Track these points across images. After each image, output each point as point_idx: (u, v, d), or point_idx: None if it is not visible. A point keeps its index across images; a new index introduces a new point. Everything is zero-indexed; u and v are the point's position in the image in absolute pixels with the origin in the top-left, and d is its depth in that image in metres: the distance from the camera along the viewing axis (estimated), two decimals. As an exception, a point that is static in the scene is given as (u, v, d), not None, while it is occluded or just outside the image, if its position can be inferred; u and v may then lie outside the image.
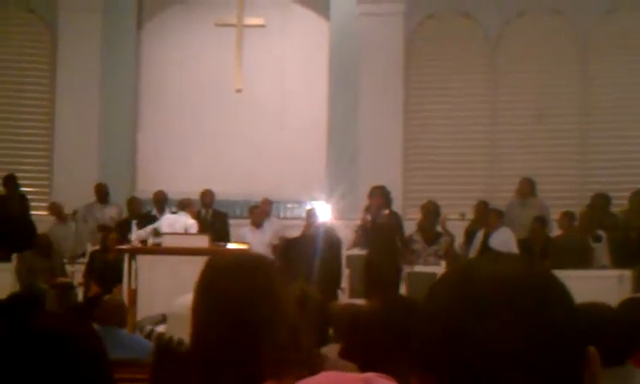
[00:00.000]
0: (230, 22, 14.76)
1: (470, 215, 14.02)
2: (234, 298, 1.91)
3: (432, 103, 15.34)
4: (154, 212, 14.04)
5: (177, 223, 12.47)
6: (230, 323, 1.88)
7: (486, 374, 1.19)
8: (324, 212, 14.25)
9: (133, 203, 14.44)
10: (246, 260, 2.04)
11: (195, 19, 15.70)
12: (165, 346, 2.90)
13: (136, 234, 12.17)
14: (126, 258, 11.37)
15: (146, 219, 13.24)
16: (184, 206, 13.11)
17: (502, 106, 15.24)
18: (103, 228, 13.71)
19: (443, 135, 15.19)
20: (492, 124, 15.22)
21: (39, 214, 14.75)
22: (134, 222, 12.51)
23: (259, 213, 14.22)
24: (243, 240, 13.58)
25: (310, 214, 13.50)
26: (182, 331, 2.90)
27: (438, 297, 1.28)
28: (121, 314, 7.31)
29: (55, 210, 14.44)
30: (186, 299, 3.09)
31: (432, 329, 1.25)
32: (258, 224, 14.12)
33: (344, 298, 12.14)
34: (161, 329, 3.10)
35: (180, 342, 2.86)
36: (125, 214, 14.49)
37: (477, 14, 15.37)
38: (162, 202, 14.17)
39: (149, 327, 3.40)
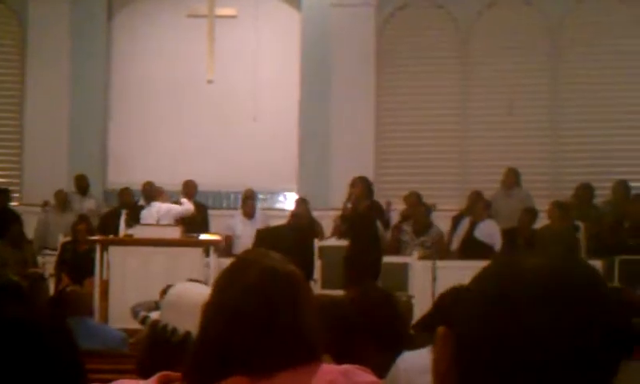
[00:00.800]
0: (201, 13, 14.71)
1: (443, 205, 14.08)
2: (260, 301, 1.92)
3: (404, 94, 15.36)
4: (141, 202, 14.03)
5: (151, 213, 12.51)
6: (245, 322, 1.89)
7: (534, 366, 1.20)
8: (295, 202, 14.30)
9: (124, 194, 14.36)
10: (280, 269, 2.04)
11: (167, 9, 15.63)
12: (159, 334, 2.89)
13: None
14: (98, 249, 11.33)
15: (134, 210, 13.25)
16: (155, 194, 13.13)
17: (474, 97, 15.28)
18: (83, 218, 13.67)
19: (415, 126, 15.22)
20: (464, 115, 15.27)
21: (13, 204, 14.66)
22: (123, 212, 12.50)
23: (251, 204, 14.23)
24: (233, 231, 13.64)
25: (296, 203, 13.61)
26: (175, 320, 2.89)
27: (485, 288, 1.28)
28: (88, 305, 7.28)
29: (62, 197, 14.36)
30: (181, 288, 3.08)
31: (479, 320, 1.25)
32: (249, 215, 14.13)
33: (316, 288, 12.15)
34: (155, 315, 3.10)
35: (174, 331, 2.86)
36: (102, 206, 14.48)
37: (448, 5, 15.39)
38: (150, 193, 14.18)
39: (142, 313, 3.39)
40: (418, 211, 13.21)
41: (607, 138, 14.69)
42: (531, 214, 13.09)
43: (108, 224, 13.06)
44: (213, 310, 1.96)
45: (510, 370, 1.21)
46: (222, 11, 14.75)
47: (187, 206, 12.90)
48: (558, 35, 15.14)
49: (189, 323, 2.75)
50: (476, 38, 15.39)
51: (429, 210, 13.53)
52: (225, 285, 2.01)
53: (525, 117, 15.00)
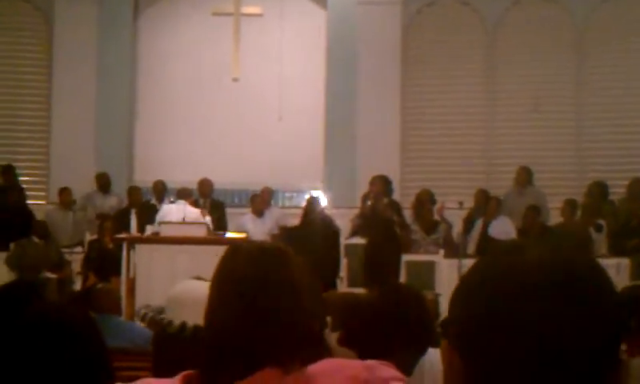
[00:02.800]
0: (227, 11, 14.73)
1: (469, 204, 14.02)
2: (253, 285, 1.91)
3: (430, 92, 15.33)
4: (153, 201, 14.07)
5: (177, 212, 12.49)
6: (245, 310, 1.88)
7: (532, 357, 1.20)
8: (322, 200, 14.26)
9: (133, 192, 14.42)
10: (268, 249, 2.03)
11: (192, 8, 15.66)
12: (162, 330, 2.90)
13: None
14: (124, 247, 11.38)
15: (146, 209, 13.25)
16: (183, 195, 13.14)
17: (500, 95, 15.24)
18: (102, 216, 13.72)
19: (441, 124, 15.19)
20: (490, 112, 15.23)
21: (38, 203, 14.75)
22: (133, 211, 12.51)
23: (260, 201, 14.22)
24: (243, 229, 13.60)
25: (310, 202, 13.49)
26: (179, 316, 2.90)
27: (485, 277, 1.28)
28: (116, 302, 7.30)
29: (66, 196, 14.43)
30: (186, 284, 3.09)
31: (477, 309, 1.25)
32: (259, 213, 14.13)
33: (342, 286, 12.15)
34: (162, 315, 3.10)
35: (183, 327, 2.86)
36: (125, 204, 14.53)
37: (475, 3, 15.36)
38: (161, 191, 14.24)
39: (146, 312, 3.39)
40: (424, 210, 13.13)
41: (631, 136, 14.61)
42: (534, 211, 13.05)
43: (120, 223, 13.03)
44: (213, 306, 1.96)
45: (508, 361, 1.21)
46: (247, 9, 14.77)
47: (198, 216, 12.65)
48: (584, 33, 15.06)
49: (192, 320, 2.76)
50: (502, 36, 15.35)
51: (431, 207, 13.35)
52: (218, 277, 2.01)
53: (550, 114, 14.94)
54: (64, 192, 14.45)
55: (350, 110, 15.12)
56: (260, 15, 14.98)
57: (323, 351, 2.10)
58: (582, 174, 14.74)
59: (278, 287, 1.92)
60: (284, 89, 15.26)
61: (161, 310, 4.18)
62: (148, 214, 12.68)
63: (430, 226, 12.93)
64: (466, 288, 1.30)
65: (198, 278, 3.12)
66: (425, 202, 13.07)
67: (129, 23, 15.79)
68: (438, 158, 15.14)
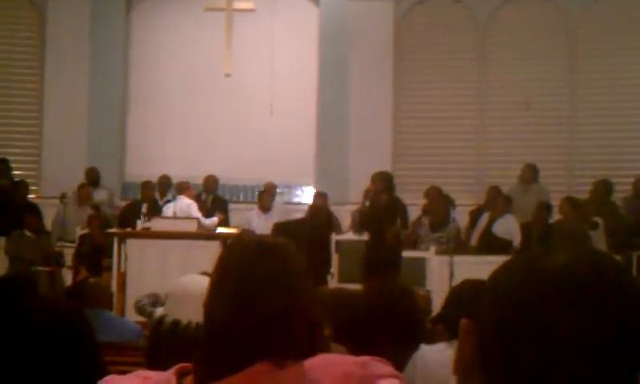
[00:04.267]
0: (219, 7, 14.72)
1: (460, 200, 14.05)
2: (248, 279, 1.91)
3: (422, 88, 15.34)
4: (157, 195, 14.11)
5: (170, 208, 12.61)
6: (240, 303, 1.88)
7: (555, 363, 1.19)
8: (314, 195, 14.29)
9: (146, 187, 14.36)
10: (266, 243, 2.03)
11: (185, 3, 15.65)
12: (167, 329, 2.90)
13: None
14: (115, 241, 11.38)
15: (154, 204, 13.36)
16: (181, 189, 13.20)
17: (491, 93, 15.26)
18: (96, 208, 13.75)
19: (433, 120, 15.20)
20: (481, 110, 15.24)
21: (30, 197, 14.72)
22: (144, 206, 12.58)
23: (267, 198, 14.23)
24: (249, 224, 13.65)
25: (317, 196, 13.61)
26: (179, 312, 2.90)
27: (511, 281, 1.27)
28: (107, 297, 7.32)
29: (84, 192, 14.41)
30: (185, 280, 3.09)
31: (501, 313, 1.24)
32: (265, 208, 14.13)
33: (333, 282, 12.17)
34: (161, 311, 3.11)
35: (188, 326, 2.86)
36: (116, 197, 14.56)
37: (467, 0, 15.36)
38: (165, 186, 14.26)
39: (149, 308, 3.39)
40: (438, 206, 13.17)
41: (625, 134, 14.65)
42: (545, 208, 13.07)
43: (128, 217, 13.11)
44: (209, 299, 1.96)
45: (526, 367, 1.20)
46: (239, 5, 14.77)
47: (214, 221, 12.98)
48: (576, 30, 15.09)
49: (193, 315, 2.76)
50: (494, 33, 15.37)
51: (450, 204, 13.48)
52: (215, 270, 2.01)
53: (542, 112, 14.97)
54: (82, 187, 14.37)
55: (342, 106, 15.12)
56: (252, 10, 14.98)
57: (322, 346, 2.10)
58: (573, 172, 14.78)
59: (273, 281, 1.92)
60: (276, 84, 15.25)
61: (155, 300, 4.15)
62: (156, 209, 12.85)
63: (439, 224, 12.96)
64: (493, 290, 1.29)
65: (205, 274, 3.12)
66: (434, 198, 13.11)
67: (121, 18, 15.76)
68: (430, 155, 15.15)
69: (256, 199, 14.52)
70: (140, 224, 11.95)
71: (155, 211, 12.85)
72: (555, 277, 1.22)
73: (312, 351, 1.93)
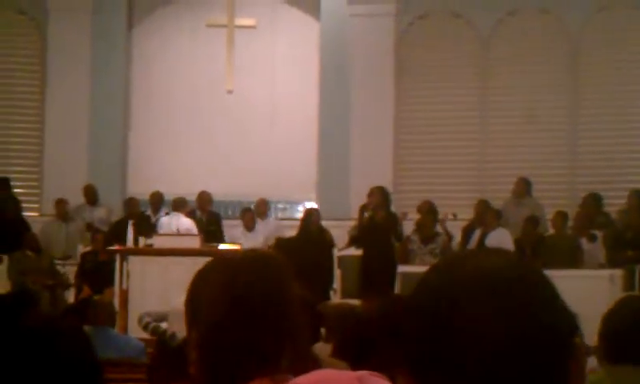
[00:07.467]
0: (220, 23, 14.75)
1: (462, 215, 14.02)
2: (239, 293, 1.91)
3: (423, 103, 15.33)
4: (149, 212, 14.05)
5: (170, 224, 12.51)
6: (232, 318, 1.88)
7: (472, 366, 1.20)
8: (304, 211, 14.23)
9: (131, 203, 14.36)
10: (255, 257, 2.02)
11: (186, 20, 15.67)
12: (165, 342, 2.90)
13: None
14: (118, 259, 11.36)
15: (141, 220, 13.22)
16: (178, 206, 13.13)
17: (493, 106, 15.24)
18: (91, 227, 13.72)
19: (434, 135, 15.19)
20: (483, 123, 15.22)
21: (30, 215, 14.72)
22: (130, 222, 12.50)
23: (249, 218, 14.16)
24: (236, 241, 13.58)
25: (308, 213, 13.48)
26: (182, 328, 2.89)
27: (423, 290, 1.29)
28: (111, 314, 7.32)
29: (61, 207, 14.39)
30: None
31: (418, 322, 1.26)
32: (249, 227, 14.08)
33: (336, 298, 12.14)
34: (164, 325, 3.10)
35: (172, 336, 2.86)
36: (115, 215, 14.49)
37: (468, 14, 15.36)
38: (158, 203, 14.21)
39: (153, 323, 3.39)
40: (425, 219, 13.14)
41: (626, 147, 14.62)
42: (533, 222, 13.08)
43: (116, 234, 13.00)
44: (205, 316, 1.96)
45: (452, 366, 1.21)
46: (241, 21, 14.81)
47: (192, 228, 12.79)
48: (578, 43, 15.08)
49: None
50: (495, 47, 15.35)
51: (437, 219, 13.40)
52: (208, 289, 2.00)
53: (543, 125, 14.95)
54: (60, 203, 14.39)
55: (343, 121, 15.11)
56: (254, 27, 15.01)
57: (311, 363, 2.10)
58: (575, 185, 14.74)
59: (264, 295, 1.91)
60: (277, 100, 15.26)
61: (162, 318, 4.15)
62: (143, 225, 12.67)
63: (428, 237, 12.94)
64: (412, 305, 1.31)
65: None
66: (427, 212, 13.09)
67: (123, 35, 15.78)
68: (431, 170, 15.12)
69: (241, 217, 14.38)
70: (130, 241, 11.88)
71: (146, 227, 12.72)
72: (466, 280, 1.24)
73: (299, 359, 1.92)
